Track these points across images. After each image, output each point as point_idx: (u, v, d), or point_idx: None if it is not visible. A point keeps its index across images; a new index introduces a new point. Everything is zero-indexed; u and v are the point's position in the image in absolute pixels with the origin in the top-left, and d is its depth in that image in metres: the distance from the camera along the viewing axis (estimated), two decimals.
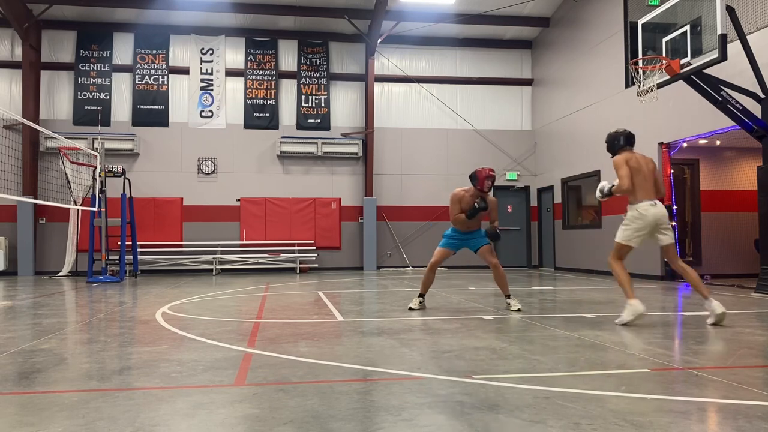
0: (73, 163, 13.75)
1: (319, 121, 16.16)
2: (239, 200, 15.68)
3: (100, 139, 13.51)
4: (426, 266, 7.21)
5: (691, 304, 7.54)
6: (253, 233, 15.65)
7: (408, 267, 16.18)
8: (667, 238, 5.58)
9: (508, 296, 6.72)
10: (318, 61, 16.26)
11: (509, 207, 17.11)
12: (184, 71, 15.75)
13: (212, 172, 15.68)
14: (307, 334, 5.05)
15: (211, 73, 15.83)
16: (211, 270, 15.01)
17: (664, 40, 8.72)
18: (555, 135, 15.77)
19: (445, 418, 2.66)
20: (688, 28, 8.26)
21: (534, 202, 16.98)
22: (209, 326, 5.57)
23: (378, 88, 16.43)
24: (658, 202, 5.53)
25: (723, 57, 7.65)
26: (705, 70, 8.17)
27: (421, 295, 6.96)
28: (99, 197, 12.21)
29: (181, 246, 15.30)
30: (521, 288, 9.90)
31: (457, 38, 16.69)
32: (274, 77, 16.03)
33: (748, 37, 8.33)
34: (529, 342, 4.62)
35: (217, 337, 4.88)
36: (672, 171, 11.40)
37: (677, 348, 4.52)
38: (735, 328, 5.30)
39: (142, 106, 15.51)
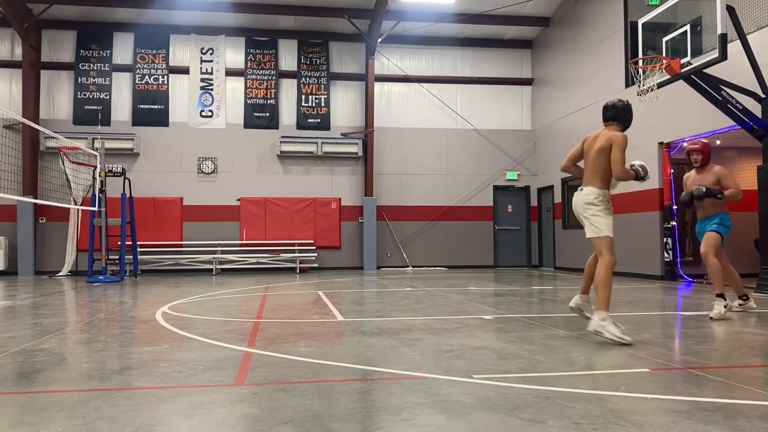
0: (73, 162, 13.76)
1: (319, 120, 16.16)
2: (239, 200, 15.69)
3: (100, 138, 13.51)
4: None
5: (691, 304, 7.54)
6: (253, 233, 15.65)
7: (408, 267, 16.18)
8: (587, 230, 4.77)
9: (742, 297, 6.24)
10: (318, 61, 16.26)
11: (509, 207, 17.12)
12: (184, 71, 15.75)
13: (212, 172, 15.68)
14: (307, 334, 5.05)
15: (211, 73, 15.83)
16: (211, 270, 15.01)
17: (664, 39, 8.72)
18: (555, 135, 15.77)
19: (445, 418, 2.66)
20: (688, 27, 8.26)
21: (534, 202, 16.98)
22: (209, 326, 5.57)
23: (378, 87, 16.43)
24: (584, 187, 4.82)
25: (723, 57, 7.65)
26: (705, 70, 8.17)
27: (722, 296, 5.96)
28: (99, 197, 12.21)
29: (181, 246, 15.30)
30: (521, 288, 9.90)
31: (457, 38, 16.69)
32: (274, 77, 16.03)
33: (748, 36, 8.33)
34: (529, 342, 4.62)
35: (217, 337, 4.89)
36: (672, 171, 11.40)
37: (677, 348, 4.52)
38: (735, 328, 5.30)
39: (142, 106, 15.51)
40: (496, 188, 16.94)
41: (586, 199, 4.75)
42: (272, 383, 3.32)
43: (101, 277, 11.83)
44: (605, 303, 4.56)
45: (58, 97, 15.38)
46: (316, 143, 15.85)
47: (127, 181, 12.95)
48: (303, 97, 16.15)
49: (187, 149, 15.60)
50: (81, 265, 13.92)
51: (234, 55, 16.00)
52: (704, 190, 6.13)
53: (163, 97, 15.60)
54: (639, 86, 8.89)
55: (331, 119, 16.24)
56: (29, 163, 14.60)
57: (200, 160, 15.65)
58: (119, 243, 12.51)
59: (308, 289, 9.90)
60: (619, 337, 4.39)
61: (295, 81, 16.18)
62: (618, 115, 4.94)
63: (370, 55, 15.93)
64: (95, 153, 12.66)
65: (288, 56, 16.25)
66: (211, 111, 15.76)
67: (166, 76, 15.65)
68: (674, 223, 11.21)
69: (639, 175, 4.89)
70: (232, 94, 15.93)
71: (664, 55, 8.64)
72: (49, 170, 14.51)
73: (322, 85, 16.23)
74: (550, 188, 15.99)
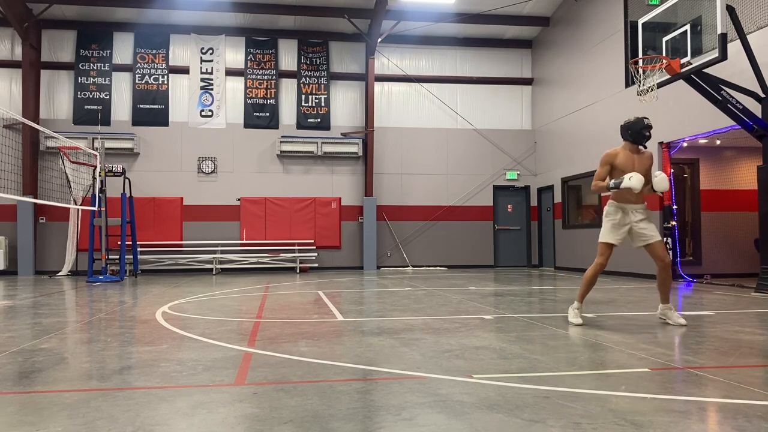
0: (73, 162, 13.76)
1: (319, 120, 16.16)
2: (239, 200, 15.69)
3: (100, 138, 13.51)
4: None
5: (691, 304, 7.54)
6: (253, 233, 15.65)
7: (408, 266, 16.18)
8: None
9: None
10: (318, 61, 16.26)
11: (509, 207, 17.12)
12: (184, 71, 15.75)
13: (212, 172, 15.68)
14: (307, 334, 5.05)
15: (211, 73, 15.83)
16: (211, 269, 15.02)
17: (665, 39, 8.72)
18: (555, 134, 15.77)
19: (445, 418, 2.66)
20: (688, 27, 8.26)
21: (534, 202, 16.98)
22: (209, 326, 5.57)
23: (378, 87, 16.43)
24: None
25: (723, 56, 7.65)
26: (705, 70, 8.17)
27: None
28: (99, 197, 12.21)
29: (181, 245, 15.31)
30: (521, 287, 9.91)
31: (457, 38, 16.69)
32: (274, 77, 16.03)
33: (748, 36, 8.33)
34: (529, 341, 4.62)
35: (217, 337, 4.89)
36: (672, 170, 11.40)
37: (677, 348, 4.52)
38: (735, 327, 5.30)
39: (142, 106, 15.51)
40: (496, 188, 16.95)
41: None
42: (272, 383, 3.32)
43: (101, 277, 11.83)
44: (580, 295, 5.65)
45: (58, 96, 15.38)
46: (316, 143, 15.85)
47: (127, 180, 12.95)
48: (303, 96, 16.15)
49: (187, 149, 15.60)
50: (81, 264, 13.92)
51: (234, 54, 16.00)
52: None
53: (163, 96, 15.60)
54: (639, 86, 8.88)
55: (331, 119, 16.24)
56: (29, 163, 14.60)
57: (200, 159, 15.65)
58: (119, 243, 12.51)
59: (308, 289, 9.90)
60: (570, 320, 5.59)
61: (295, 81, 16.18)
62: (621, 135, 5.65)
63: (370, 54, 15.93)
64: (95, 153, 12.67)
65: (288, 56, 16.25)
66: (211, 111, 15.76)
67: (166, 76, 15.65)
68: (674, 222, 11.21)
69: (609, 187, 5.47)
70: (232, 94, 15.93)
71: (664, 54, 8.64)
72: (49, 170, 14.52)
73: (322, 85, 16.23)
74: (550, 188, 15.99)
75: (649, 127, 5.50)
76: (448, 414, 2.71)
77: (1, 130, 14.17)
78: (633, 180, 5.25)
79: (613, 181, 5.41)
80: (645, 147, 5.63)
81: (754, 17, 9.12)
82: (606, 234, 5.57)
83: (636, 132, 5.50)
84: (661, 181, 5.46)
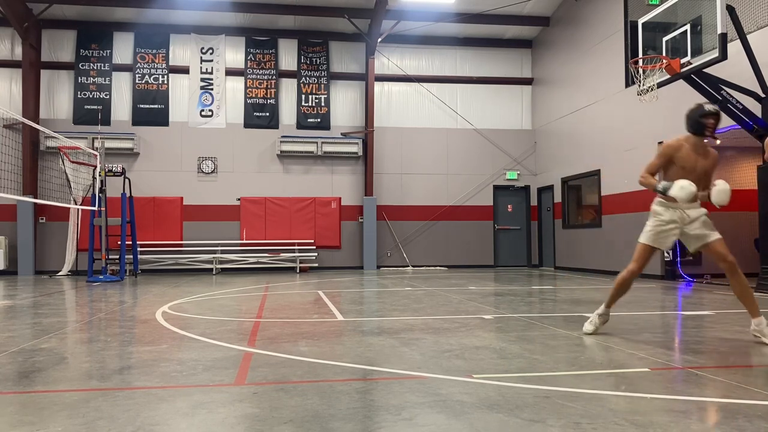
0: (73, 162, 13.75)
1: (319, 120, 16.16)
2: (239, 200, 15.68)
3: (100, 138, 13.50)
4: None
5: (691, 304, 7.54)
6: (253, 233, 15.65)
7: (408, 266, 16.18)
8: None
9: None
10: (318, 61, 16.26)
11: (509, 206, 17.12)
12: (184, 70, 15.75)
13: (212, 172, 15.67)
14: (307, 334, 5.05)
15: (211, 73, 15.82)
16: (211, 269, 15.01)
17: (665, 39, 8.73)
18: (555, 134, 15.77)
19: (445, 418, 2.66)
20: (688, 27, 8.27)
21: (534, 202, 16.98)
22: (209, 325, 5.57)
23: (378, 87, 16.43)
24: None
25: (723, 56, 7.65)
26: (705, 70, 8.17)
27: None
28: (99, 196, 12.21)
29: (181, 245, 15.30)
30: (521, 287, 9.91)
31: (457, 37, 16.69)
32: (274, 76, 16.03)
33: (748, 36, 8.33)
34: (529, 341, 4.62)
35: (218, 337, 4.89)
36: None
37: (677, 348, 4.52)
38: (735, 327, 5.30)
39: (142, 106, 15.51)
40: (496, 188, 16.95)
41: None
42: (272, 383, 3.32)
43: (101, 277, 11.83)
44: (609, 299, 4.95)
45: (58, 96, 15.37)
46: (316, 143, 15.85)
47: (127, 180, 12.95)
48: (303, 96, 16.15)
49: (187, 149, 15.60)
50: (81, 264, 13.92)
51: (234, 54, 15.99)
52: None
53: (163, 96, 15.60)
54: (639, 86, 8.89)
55: (331, 119, 16.24)
56: (29, 163, 14.60)
57: (200, 159, 15.64)
58: (119, 242, 12.51)
59: (308, 289, 9.90)
60: (585, 328, 4.97)
61: (295, 81, 16.18)
62: (686, 127, 4.80)
63: (370, 54, 15.93)
64: (95, 153, 12.66)
65: (288, 56, 16.25)
66: (211, 111, 15.76)
67: (166, 76, 15.65)
68: None
69: (656, 189, 4.67)
70: (232, 94, 15.93)
71: (664, 54, 8.64)
72: (49, 170, 14.51)
73: (322, 85, 16.23)
74: (550, 188, 15.99)
75: (711, 113, 4.59)
76: (448, 414, 2.71)
77: (1, 130, 14.16)
78: (682, 192, 4.41)
79: (662, 183, 4.59)
80: (714, 138, 4.76)
81: (754, 17, 9.12)
82: (646, 234, 4.73)
83: (694, 121, 4.64)
84: (719, 193, 4.47)
